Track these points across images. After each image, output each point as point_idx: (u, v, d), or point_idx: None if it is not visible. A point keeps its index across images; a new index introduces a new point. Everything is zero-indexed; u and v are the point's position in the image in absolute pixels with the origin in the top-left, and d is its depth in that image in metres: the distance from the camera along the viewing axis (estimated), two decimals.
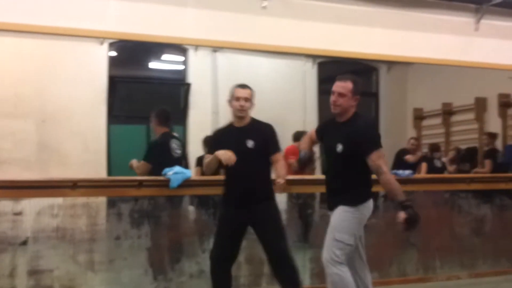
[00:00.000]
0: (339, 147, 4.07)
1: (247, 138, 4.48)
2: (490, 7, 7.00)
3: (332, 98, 4.11)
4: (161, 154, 5.61)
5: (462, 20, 7.07)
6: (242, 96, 4.49)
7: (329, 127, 4.34)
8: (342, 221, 4.04)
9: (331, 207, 4.19)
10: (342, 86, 4.11)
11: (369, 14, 6.63)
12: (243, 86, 4.58)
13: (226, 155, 4.32)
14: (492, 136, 9.60)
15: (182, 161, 5.89)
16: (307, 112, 9.52)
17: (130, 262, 5.12)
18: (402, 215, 3.82)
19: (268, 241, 4.47)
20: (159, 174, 5.05)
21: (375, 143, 4.06)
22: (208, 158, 4.52)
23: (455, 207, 6.55)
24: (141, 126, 9.44)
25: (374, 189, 4.29)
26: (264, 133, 4.56)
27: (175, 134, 6.07)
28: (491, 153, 9.37)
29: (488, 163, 9.19)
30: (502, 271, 6.23)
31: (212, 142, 4.71)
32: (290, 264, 4.51)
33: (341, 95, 4.08)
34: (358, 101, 4.15)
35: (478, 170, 9.35)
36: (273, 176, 4.60)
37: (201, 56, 9.57)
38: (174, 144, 5.79)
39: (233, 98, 4.51)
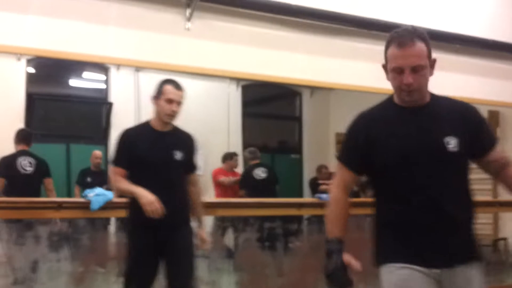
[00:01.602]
0: (452, 143, 2.32)
1: (175, 148, 3.88)
2: None
3: (403, 80, 2.35)
4: (7, 170, 6.29)
5: (381, 48, 7.25)
6: (175, 99, 3.82)
7: (384, 120, 2.49)
8: None
9: (438, 262, 2.33)
10: (416, 53, 2.34)
11: (292, 39, 6.73)
12: (176, 86, 3.86)
13: (152, 206, 3.57)
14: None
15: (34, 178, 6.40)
16: (231, 134, 9.53)
17: (48, 286, 4.95)
18: None
19: (177, 275, 3.87)
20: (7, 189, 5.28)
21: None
22: (123, 183, 3.78)
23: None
24: (60, 145, 9.21)
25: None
26: (189, 145, 4.02)
27: (31, 152, 6.61)
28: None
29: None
30: None
31: (126, 144, 3.86)
32: None
33: (417, 69, 2.32)
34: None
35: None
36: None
37: (123, 75, 9.42)
38: (24, 161, 6.40)
39: (163, 98, 3.81)
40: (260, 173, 8.10)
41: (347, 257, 2.41)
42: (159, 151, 3.85)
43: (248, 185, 7.98)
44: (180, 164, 3.89)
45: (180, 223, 3.91)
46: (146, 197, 3.60)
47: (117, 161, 3.89)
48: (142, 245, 3.83)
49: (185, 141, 4.02)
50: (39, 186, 6.52)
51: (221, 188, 8.31)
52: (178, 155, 3.88)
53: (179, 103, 3.85)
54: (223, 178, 8.34)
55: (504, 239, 8.69)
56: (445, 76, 6.40)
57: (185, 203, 3.97)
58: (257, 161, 8.21)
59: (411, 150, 2.35)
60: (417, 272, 2.32)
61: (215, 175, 8.44)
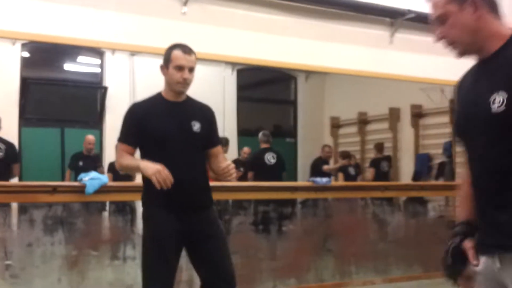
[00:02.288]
0: (499, 99, 1.81)
1: (192, 118, 3.41)
2: (404, 21, 7.23)
3: (436, 33, 2.00)
4: None
5: (378, 33, 7.28)
6: (186, 65, 3.37)
7: (467, 80, 2.03)
8: None
9: (488, 247, 1.90)
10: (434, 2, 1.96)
11: (288, 23, 6.72)
12: (186, 50, 3.41)
13: (161, 176, 3.11)
14: (379, 147, 10.01)
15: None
16: (226, 118, 9.52)
17: (42, 270, 4.97)
18: None
19: (218, 262, 3.39)
20: None
21: None
22: (126, 158, 3.38)
23: (370, 214, 6.73)
24: (55, 129, 9.20)
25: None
26: (208, 116, 3.51)
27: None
28: (374, 162, 9.89)
29: (371, 171, 9.72)
30: (414, 276, 6.42)
31: (134, 118, 3.42)
32: None
33: (442, 18, 1.94)
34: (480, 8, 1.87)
35: (363, 178, 10.07)
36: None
37: (118, 59, 9.41)
38: None
39: (172, 65, 3.37)
40: (270, 158, 8.12)
41: (469, 244, 1.95)
42: (174, 123, 3.38)
43: (257, 168, 8.01)
44: (199, 137, 3.40)
45: (205, 205, 3.44)
46: (151, 167, 3.14)
47: (123, 137, 3.46)
48: (164, 235, 3.30)
49: (203, 111, 3.52)
50: (6, 171, 6.57)
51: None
52: (196, 126, 3.39)
53: (191, 69, 3.39)
54: None
55: None
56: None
57: (207, 181, 3.51)
58: (267, 145, 8.21)
59: None
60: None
61: None
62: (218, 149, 3.54)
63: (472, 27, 1.86)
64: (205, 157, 3.49)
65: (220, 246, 3.41)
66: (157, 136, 3.35)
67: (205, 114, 3.50)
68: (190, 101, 3.50)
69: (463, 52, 1.96)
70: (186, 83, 3.38)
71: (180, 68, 3.35)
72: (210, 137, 3.49)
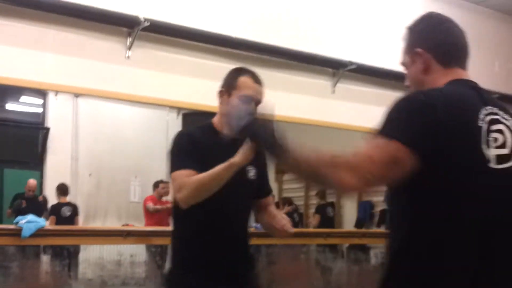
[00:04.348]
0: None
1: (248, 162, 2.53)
2: (345, 72, 7.45)
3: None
4: None
5: (320, 82, 7.47)
6: (255, 98, 2.57)
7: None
8: None
9: None
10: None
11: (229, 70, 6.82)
12: (258, 80, 2.70)
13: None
14: (322, 193, 10.18)
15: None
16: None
17: None
18: None
19: None
20: None
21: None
22: (198, 176, 2.45)
23: (313, 261, 6.78)
24: None
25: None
26: (262, 159, 2.67)
27: None
28: (319, 208, 10.03)
29: (317, 217, 9.84)
30: None
31: (191, 145, 2.63)
32: None
33: (404, 68, 1.96)
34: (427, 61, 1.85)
35: (308, 223, 10.27)
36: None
37: (61, 100, 9.30)
38: None
39: (238, 94, 2.58)
40: None
41: None
42: None
43: None
44: (252, 185, 2.73)
45: (252, 266, 2.83)
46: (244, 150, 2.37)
47: (183, 163, 2.56)
48: None
49: (259, 158, 2.59)
50: None
51: (148, 214, 8.26)
52: (252, 172, 2.71)
53: (258, 102, 2.58)
54: (148, 205, 8.32)
55: None
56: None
57: (249, 237, 2.78)
58: None
59: None
60: None
61: (145, 202, 8.43)
62: (271, 199, 2.91)
63: (419, 80, 1.87)
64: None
65: None
66: None
67: (260, 155, 2.51)
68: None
69: None
70: None
71: (247, 99, 2.43)
72: (264, 184, 2.84)
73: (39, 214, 6.30)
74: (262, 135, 1.84)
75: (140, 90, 6.31)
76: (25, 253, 5.05)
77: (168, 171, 2.61)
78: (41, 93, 9.42)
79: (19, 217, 4.82)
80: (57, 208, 7.60)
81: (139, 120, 9.50)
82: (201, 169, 2.47)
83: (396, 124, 1.63)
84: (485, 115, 1.69)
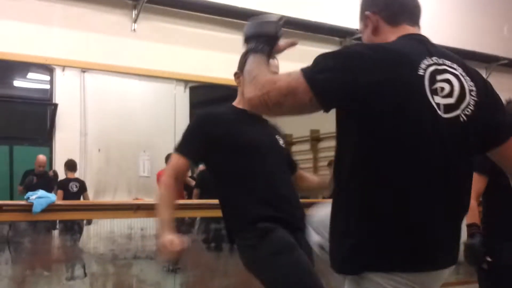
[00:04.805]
0: None
1: (275, 132, 2.85)
2: (353, 40, 7.39)
3: None
4: None
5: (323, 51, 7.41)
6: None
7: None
8: None
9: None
10: None
11: (239, 41, 6.77)
12: (273, 56, 2.59)
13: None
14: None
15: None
16: (177, 136, 9.55)
17: None
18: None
19: None
20: None
21: None
22: (165, 199, 2.67)
23: None
24: (3, 146, 9.02)
25: None
26: (283, 136, 2.93)
27: None
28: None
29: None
30: None
31: (205, 126, 2.72)
32: None
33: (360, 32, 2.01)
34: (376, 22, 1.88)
35: None
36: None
37: (69, 76, 9.28)
38: None
39: None
40: None
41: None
42: (262, 133, 2.77)
43: (204, 185, 7.98)
44: (286, 153, 2.88)
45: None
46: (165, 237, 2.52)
47: (184, 148, 2.72)
48: (293, 242, 2.55)
49: (279, 129, 2.94)
50: None
51: None
52: (281, 141, 2.84)
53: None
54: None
55: None
56: None
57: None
58: None
59: None
60: None
61: (158, 176, 8.43)
62: (303, 171, 3.04)
63: (370, 42, 1.90)
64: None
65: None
66: (244, 144, 2.69)
67: (282, 131, 2.93)
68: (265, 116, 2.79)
69: None
70: None
71: None
72: (291, 159, 2.97)
73: (50, 189, 6.33)
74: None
75: (146, 64, 6.29)
76: (37, 228, 5.08)
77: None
78: (48, 69, 9.40)
79: (29, 193, 4.82)
80: (65, 183, 7.65)
81: (146, 94, 9.48)
82: (226, 141, 2.64)
83: (325, 69, 1.66)
84: (427, 65, 1.70)
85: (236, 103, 2.84)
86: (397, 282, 1.66)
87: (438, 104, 1.68)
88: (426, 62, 1.71)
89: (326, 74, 1.65)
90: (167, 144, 9.20)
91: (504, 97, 8.42)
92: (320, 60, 1.69)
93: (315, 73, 1.65)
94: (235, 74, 2.79)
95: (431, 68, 1.71)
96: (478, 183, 3.27)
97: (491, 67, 8.27)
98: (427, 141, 1.67)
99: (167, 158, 8.49)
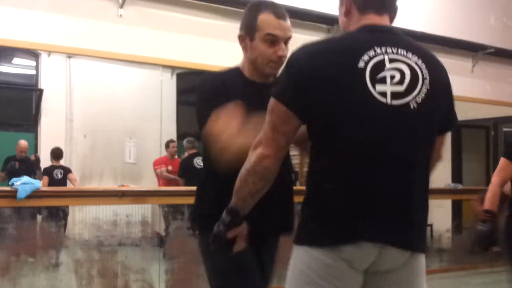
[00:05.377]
0: None
1: None
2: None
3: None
4: None
5: (315, 39, 7.38)
6: (282, 36, 2.32)
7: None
8: None
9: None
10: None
11: (226, 28, 6.74)
12: (282, 15, 2.34)
13: None
14: None
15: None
16: (164, 122, 9.49)
17: None
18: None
19: None
20: None
21: None
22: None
23: None
24: None
25: None
26: None
27: None
28: None
29: None
30: None
31: (220, 87, 2.31)
32: None
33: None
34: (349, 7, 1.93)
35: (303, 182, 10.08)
36: None
37: (54, 61, 9.23)
38: None
39: (261, 36, 2.31)
40: (199, 162, 8.08)
41: None
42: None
43: (188, 173, 7.96)
44: None
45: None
46: None
47: (215, 101, 2.24)
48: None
49: None
50: None
51: (161, 179, 8.28)
52: None
53: (287, 41, 2.33)
54: (158, 170, 8.32)
55: (430, 225, 8.97)
56: None
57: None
58: (194, 151, 8.20)
59: None
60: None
61: (154, 165, 8.43)
62: None
63: (343, 22, 1.98)
64: None
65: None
66: None
67: None
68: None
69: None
70: (282, 62, 2.27)
71: (273, 40, 2.29)
72: None
73: (32, 174, 6.29)
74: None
75: (133, 49, 6.23)
76: (21, 214, 5.06)
77: (198, 121, 2.34)
78: (34, 54, 9.33)
79: (14, 179, 4.78)
80: (50, 170, 7.64)
81: (132, 80, 9.43)
82: None
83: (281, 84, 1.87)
84: (371, 56, 1.77)
85: (245, 71, 2.42)
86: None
87: (383, 93, 1.75)
88: (371, 53, 1.77)
89: (280, 87, 1.84)
90: (154, 131, 9.18)
91: (490, 85, 8.47)
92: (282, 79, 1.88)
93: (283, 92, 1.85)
94: (239, 37, 2.40)
95: (378, 58, 1.77)
96: (506, 169, 3.28)
97: (478, 56, 8.35)
98: (366, 128, 1.75)
99: (166, 145, 8.49)
